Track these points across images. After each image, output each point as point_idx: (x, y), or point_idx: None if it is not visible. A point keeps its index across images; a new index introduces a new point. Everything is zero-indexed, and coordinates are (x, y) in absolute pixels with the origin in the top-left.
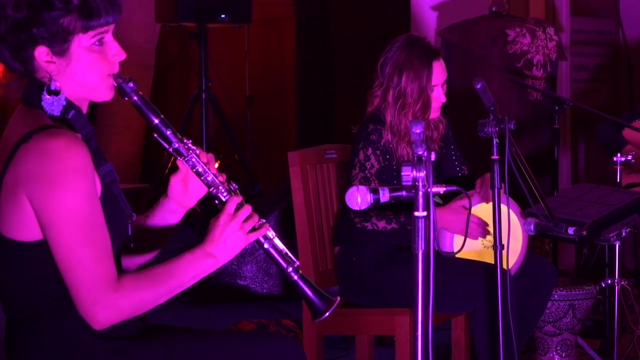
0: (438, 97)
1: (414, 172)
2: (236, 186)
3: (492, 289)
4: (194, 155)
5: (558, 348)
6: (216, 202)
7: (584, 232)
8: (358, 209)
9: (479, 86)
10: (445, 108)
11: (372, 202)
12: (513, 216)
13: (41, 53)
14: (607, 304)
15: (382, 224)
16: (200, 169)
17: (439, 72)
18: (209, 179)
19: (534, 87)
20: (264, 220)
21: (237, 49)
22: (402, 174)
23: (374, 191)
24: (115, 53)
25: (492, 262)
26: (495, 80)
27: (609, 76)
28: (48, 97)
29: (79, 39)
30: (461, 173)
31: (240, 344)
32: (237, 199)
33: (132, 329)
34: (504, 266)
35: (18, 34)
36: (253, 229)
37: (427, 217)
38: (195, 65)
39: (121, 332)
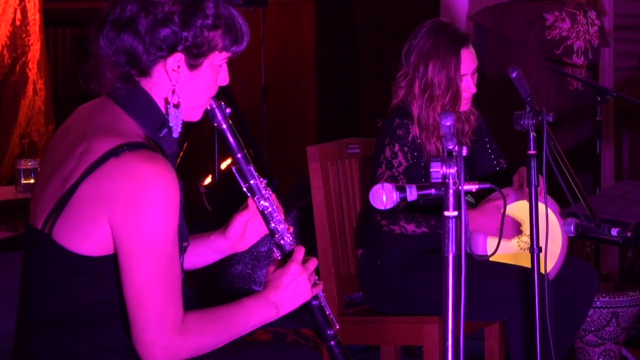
0: (468, 87)
1: (444, 169)
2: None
3: (528, 295)
4: (268, 196)
5: (600, 359)
6: (274, 248)
7: (629, 234)
8: (383, 208)
9: (514, 75)
10: (477, 99)
11: (398, 200)
12: (552, 216)
13: (174, 60)
14: None
15: (411, 227)
16: (270, 212)
17: (468, 60)
18: (279, 227)
19: (574, 76)
20: (317, 279)
21: (251, 34)
22: (431, 170)
23: (401, 189)
24: (225, 78)
25: (529, 265)
26: (532, 69)
27: None
28: (173, 109)
29: (214, 57)
30: (499, 167)
31: (255, 355)
32: (303, 249)
33: None
34: (542, 270)
35: (163, 28)
36: (315, 283)
37: (458, 217)
38: None
39: (131, 351)
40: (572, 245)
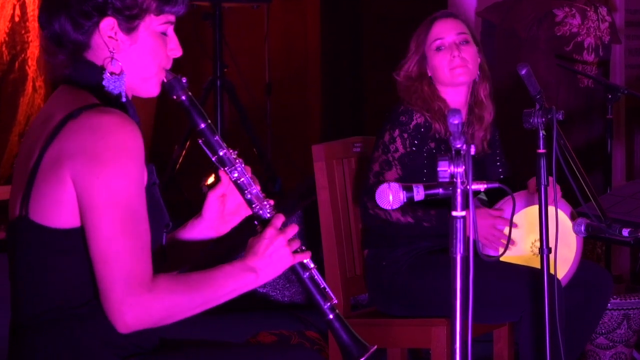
0: (451, 57)
1: (452, 168)
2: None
3: (538, 296)
4: (240, 166)
5: None
6: (255, 222)
7: None
8: (390, 208)
9: (523, 72)
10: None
11: (405, 200)
12: (566, 220)
13: (107, 25)
14: None
15: (396, 215)
16: (244, 182)
17: (442, 27)
18: (253, 192)
19: (585, 73)
20: (305, 248)
21: (255, 31)
22: (439, 169)
23: (408, 189)
24: (174, 47)
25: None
26: (541, 66)
27: None
28: (110, 76)
29: (150, 21)
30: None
31: (259, 357)
32: (282, 217)
33: (146, 343)
34: (552, 271)
35: None
36: (298, 251)
37: (466, 217)
38: (209, 49)
39: (135, 348)
40: (583, 247)
